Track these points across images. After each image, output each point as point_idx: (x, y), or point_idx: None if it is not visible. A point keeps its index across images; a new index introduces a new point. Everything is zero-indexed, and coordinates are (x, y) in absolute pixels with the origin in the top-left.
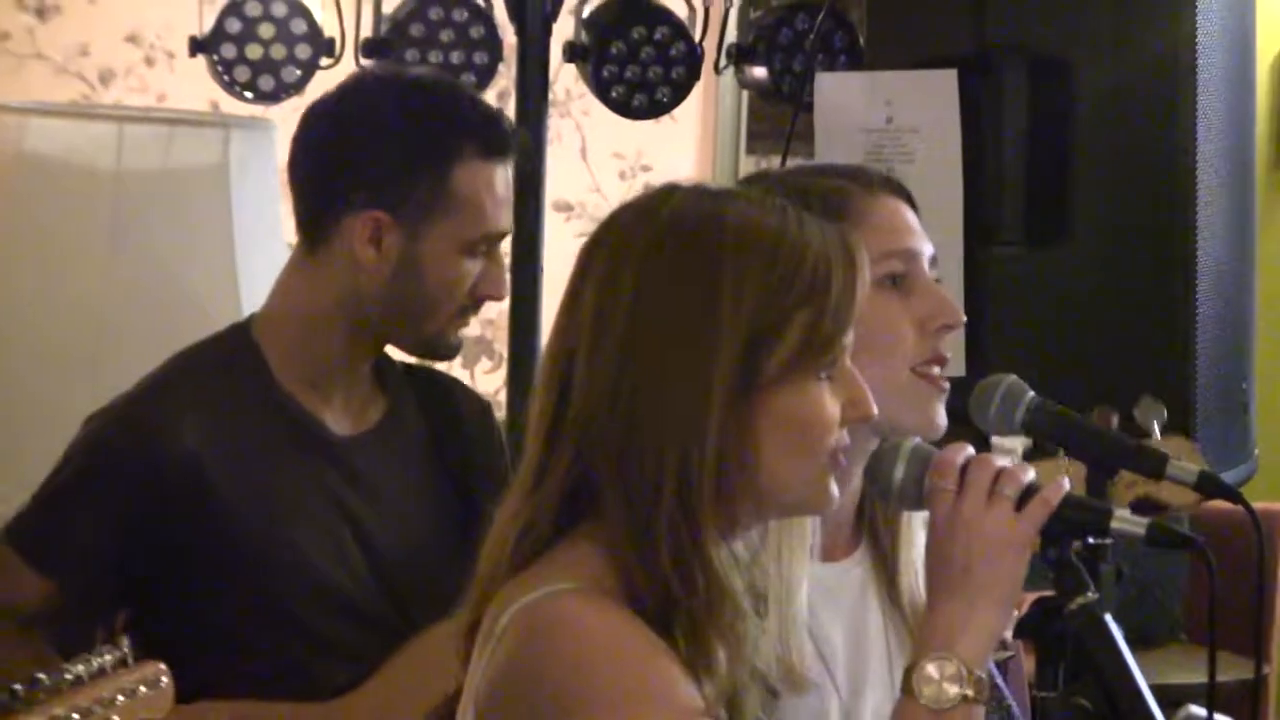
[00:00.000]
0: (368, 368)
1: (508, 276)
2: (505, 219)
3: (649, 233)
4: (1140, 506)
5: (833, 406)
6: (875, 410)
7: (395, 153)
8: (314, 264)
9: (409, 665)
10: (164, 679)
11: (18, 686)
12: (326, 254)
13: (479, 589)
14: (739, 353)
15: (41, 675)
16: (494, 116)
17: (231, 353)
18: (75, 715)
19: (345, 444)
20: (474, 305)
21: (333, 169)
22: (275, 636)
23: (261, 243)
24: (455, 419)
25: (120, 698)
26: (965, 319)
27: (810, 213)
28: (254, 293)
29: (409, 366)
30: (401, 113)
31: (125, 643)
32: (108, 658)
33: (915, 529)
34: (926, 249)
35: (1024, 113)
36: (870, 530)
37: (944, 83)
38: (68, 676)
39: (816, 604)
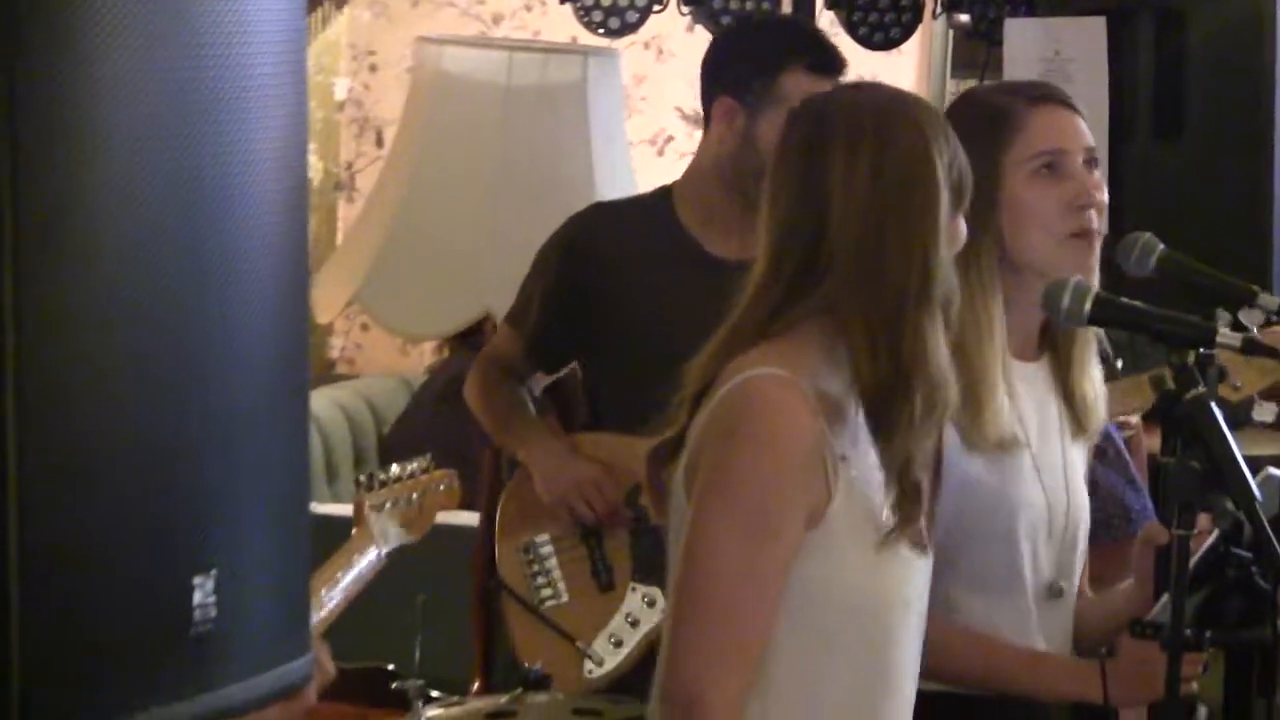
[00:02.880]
0: (754, 218)
1: None
2: None
3: (877, 115)
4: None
5: (962, 230)
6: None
7: (744, 58)
8: (705, 139)
9: None
10: (453, 482)
11: (361, 478)
12: (709, 131)
13: (708, 359)
14: (949, 197)
15: (365, 477)
16: (824, 46)
17: (653, 196)
18: (397, 500)
19: (720, 262)
20: None
21: (710, 69)
22: (631, 391)
23: (610, 143)
24: None
25: (420, 493)
26: (1102, 197)
27: (983, 119)
28: (606, 179)
29: None
30: (756, 33)
31: (427, 457)
32: (415, 465)
33: (1086, 341)
34: (1078, 145)
35: (1151, 48)
36: (1051, 343)
37: (1096, 27)
38: (392, 474)
39: (1016, 389)
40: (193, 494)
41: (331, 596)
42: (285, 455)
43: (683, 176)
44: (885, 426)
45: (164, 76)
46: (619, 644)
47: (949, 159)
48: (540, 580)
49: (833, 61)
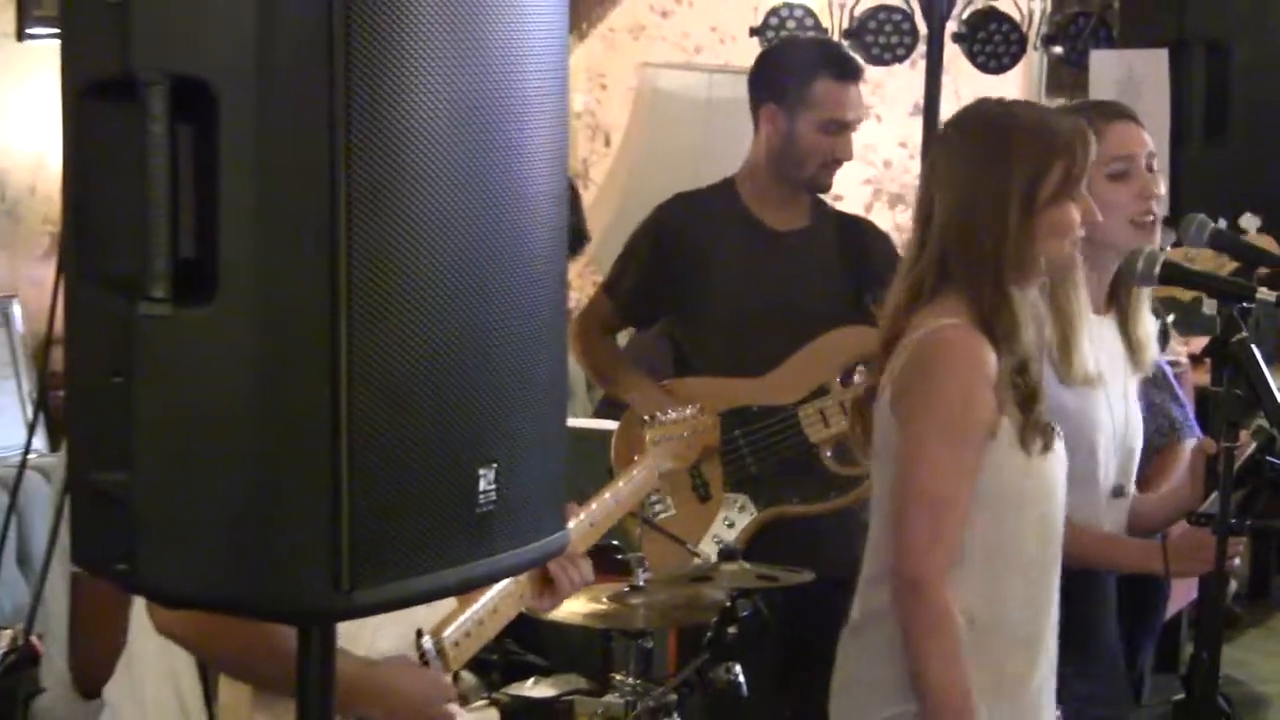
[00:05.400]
0: (800, 197)
1: (852, 146)
2: (849, 113)
3: (973, 123)
4: None
5: (1076, 215)
6: (1100, 217)
7: (783, 72)
8: (756, 138)
9: (810, 352)
10: (716, 423)
11: (646, 417)
12: (759, 131)
13: (891, 319)
14: (1024, 185)
15: (648, 416)
16: (845, 59)
17: (721, 186)
18: (672, 436)
19: (776, 233)
20: (835, 162)
21: (756, 82)
22: (713, 340)
23: None
24: (861, 236)
25: (689, 432)
26: (1163, 192)
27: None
28: None
29: (838, 211)
30: (791, 50)
31: (698, 406)
32: (689, 411)
33: (1143, 298)
34: (1144, 151)
35: (1203, 71)
36: (1117, 300)
37: (1160, 56)
38: (670, 415)
39: (1093, 338)
40: (481, 402)
41: (615, 502)
42: (549, 375)
43: (742, 169)
44: (997, 339)
45: (467, 83)
46: (720, 541)
47: (1036, 162)
48: (653, 498)
49: (852, 70)
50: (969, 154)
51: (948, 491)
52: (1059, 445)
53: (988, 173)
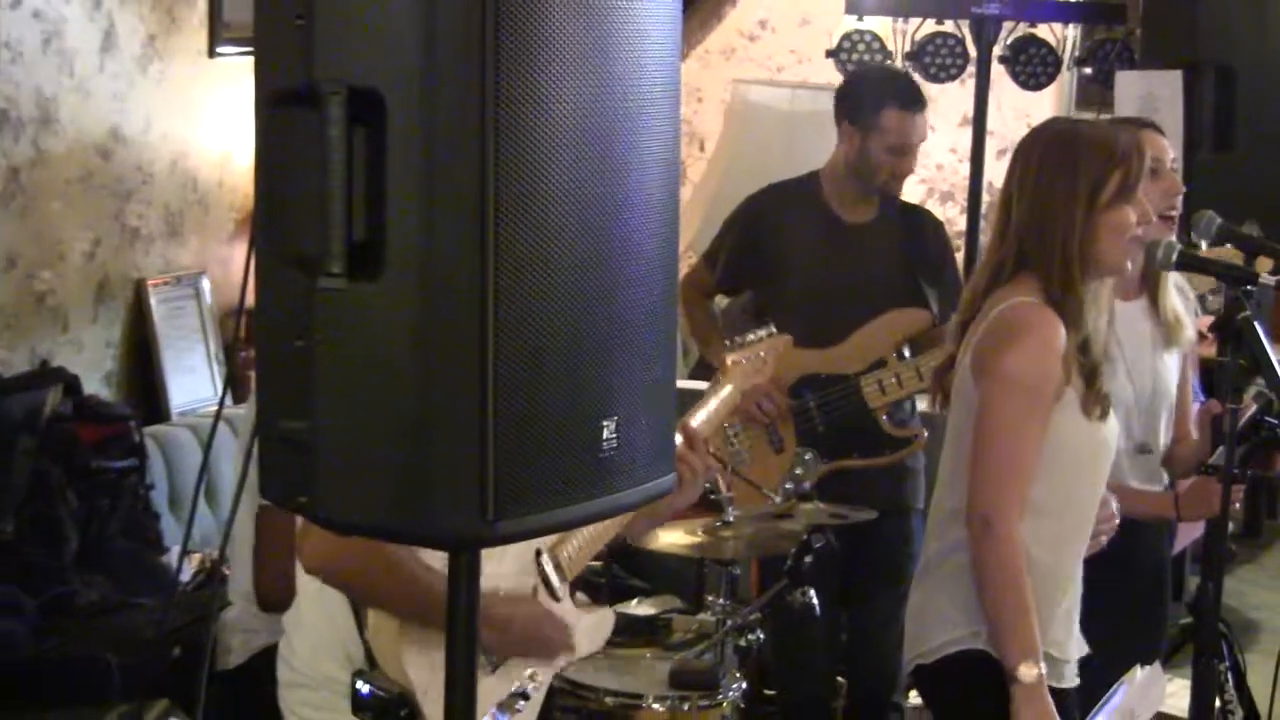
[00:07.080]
0: (870, 196)
1: (915, 162)
2: (913, 138)
3: (1047, 136)
4: None
5: (1132, 217)
6: (1154, 217)
7: (858, 97)
8: (837, 148)
9: (871, 329)
10: (790, 344)
11: (728, 342)
12: (839, 142)
13: (970, 300)
14: (1088, 190)
15: (729, 340)
16: (911, 90)
17: (807, 179)
18: (750, 357)
19: (850, 226)
20: (901, 176)
21: (838, 102)
22: (790, 315)
23: None
24: (920, 225)
25: (765, 351)
26: (1185, 189)
27: None
28: None
29: (902, 201)
30: (866, 79)
31: (771, 326)
32: (764, 332)
33: (1168, 282)
34: (1168, 156)
35: (1213, 90)
36: (1148, 284)
37: (1176, 76)
38: (749, 337)
39: (1116, 321)
40: (605, 364)
41: (708, 416)
42: (662, 342)
43: (825, 167)
44: (1065, 318)
45: (598, 87)
46: (792, 486)
47: (1097, 171)
48: (736, 447)
49: (917, 101)
50: (1043, 162)
51: (1019, 442)
52: (1112, 415)
53: (1057, 178)
